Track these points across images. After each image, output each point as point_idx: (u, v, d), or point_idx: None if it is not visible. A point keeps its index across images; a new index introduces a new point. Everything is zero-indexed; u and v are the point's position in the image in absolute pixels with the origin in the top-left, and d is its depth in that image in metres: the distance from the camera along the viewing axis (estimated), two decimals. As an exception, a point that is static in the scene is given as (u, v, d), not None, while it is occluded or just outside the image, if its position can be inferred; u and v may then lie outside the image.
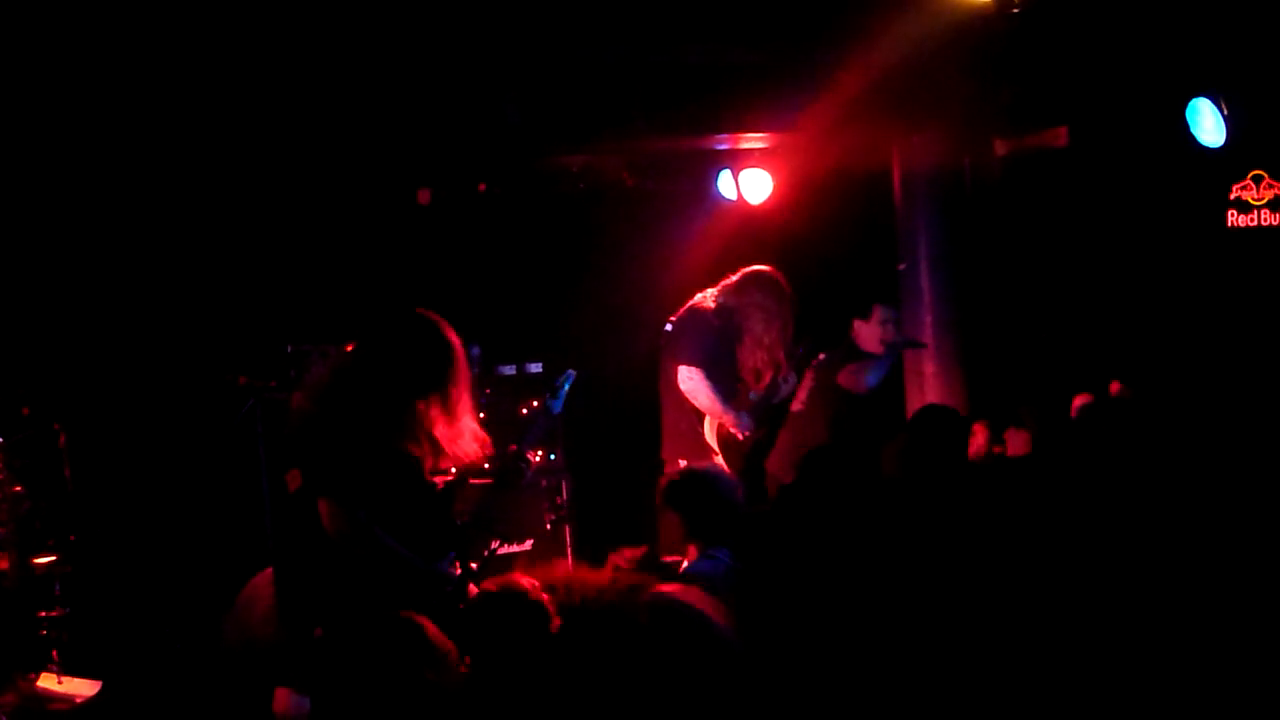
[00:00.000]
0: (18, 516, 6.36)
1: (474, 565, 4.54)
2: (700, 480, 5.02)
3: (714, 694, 3.69)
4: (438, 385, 4.44)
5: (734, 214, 8.19)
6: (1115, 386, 6.62)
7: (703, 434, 6.31)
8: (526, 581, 3.96)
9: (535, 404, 7.20)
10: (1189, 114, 6.69)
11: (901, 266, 8.07)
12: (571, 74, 7.03)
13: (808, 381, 6.81)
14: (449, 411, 4.46)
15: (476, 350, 7.09)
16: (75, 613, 6.43)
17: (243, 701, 4.86)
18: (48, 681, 6.15)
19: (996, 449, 6.69)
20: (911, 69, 6.86)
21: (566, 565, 6.12)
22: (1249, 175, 7.16)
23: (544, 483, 7.32)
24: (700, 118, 7.39)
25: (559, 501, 7.38)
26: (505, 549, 4.63)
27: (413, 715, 3.60)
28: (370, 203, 7.84)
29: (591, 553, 6.84)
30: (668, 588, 4.20)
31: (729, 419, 6.27)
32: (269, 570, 4.98)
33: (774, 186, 7.94)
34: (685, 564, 4.97)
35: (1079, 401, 6.50)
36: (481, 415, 4.73)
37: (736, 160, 7.99)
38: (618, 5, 6.56)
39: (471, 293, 7.74)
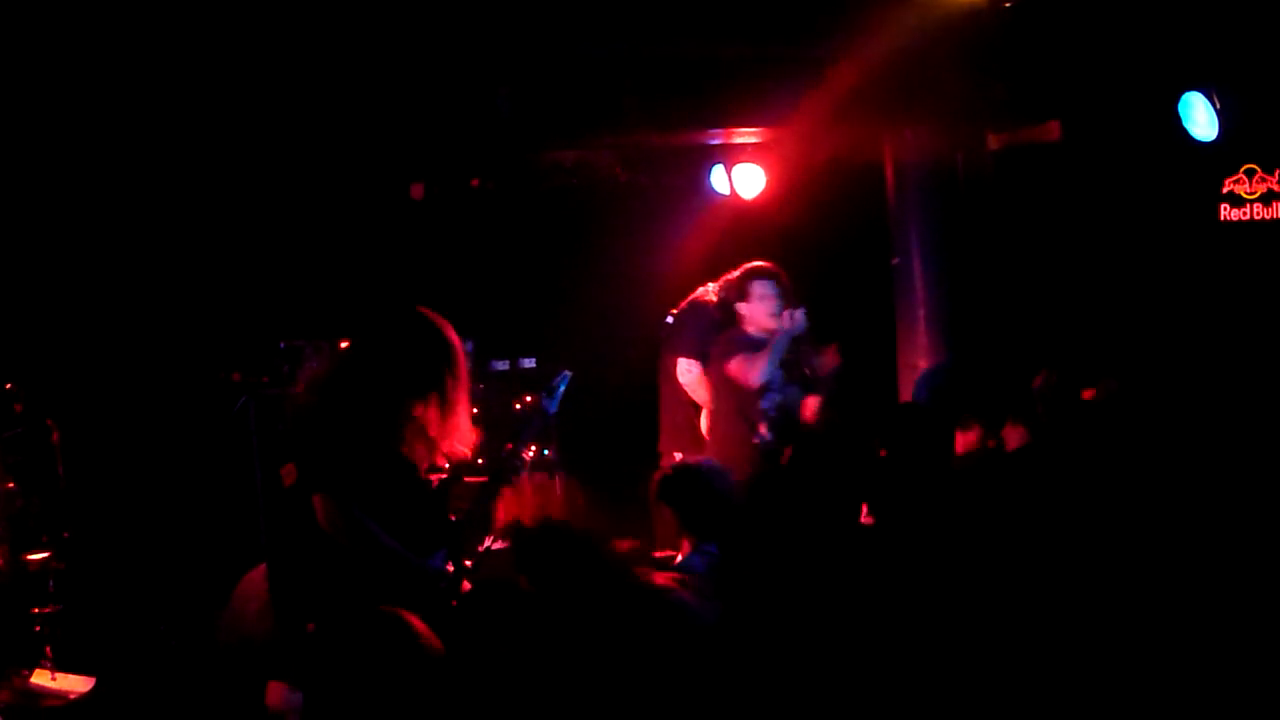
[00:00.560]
0: (11, 513, 6.33)
1: (467, 563, 4.54)
2: (694, 475, 5.02)
3: (697, 687, 3.68)
4: (437, 385, 4.44)
5: (727, 209, 8.19)
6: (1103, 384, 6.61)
7: (700, 427, 6.30)
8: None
9: (529, 400, 7.19)
10: (1181, 108, 6.70)
11: (895, 261, 8.07)
12: (564, 69, 7.03)
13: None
14: (446, 411, 4.45)
15: (470, 345, 7.08)
16: (69, 609, 6.40)
17: (236, 697, 4.86)
18: (41, 678, 6.13)
19: (991, 444, 6.67)
20: (904, 63, 6.86)
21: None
22: (1241, 169, 7.18)
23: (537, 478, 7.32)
24: (693, 112, 7.38)
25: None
26: (499, 546, 4.64)
27: (404, 710, 3.59)
28: (363, 198, 7.84)
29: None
30: (658, 578, 4.19)
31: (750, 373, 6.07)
32: (263, 566, 4.98)
33: (767, 181, 7.94)
34: (679, 558, 4.97)
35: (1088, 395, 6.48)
36: (474, 410, 4.73)
37: (729, 155, 7.99)
38: None
39: (464, 288, 7.74)
